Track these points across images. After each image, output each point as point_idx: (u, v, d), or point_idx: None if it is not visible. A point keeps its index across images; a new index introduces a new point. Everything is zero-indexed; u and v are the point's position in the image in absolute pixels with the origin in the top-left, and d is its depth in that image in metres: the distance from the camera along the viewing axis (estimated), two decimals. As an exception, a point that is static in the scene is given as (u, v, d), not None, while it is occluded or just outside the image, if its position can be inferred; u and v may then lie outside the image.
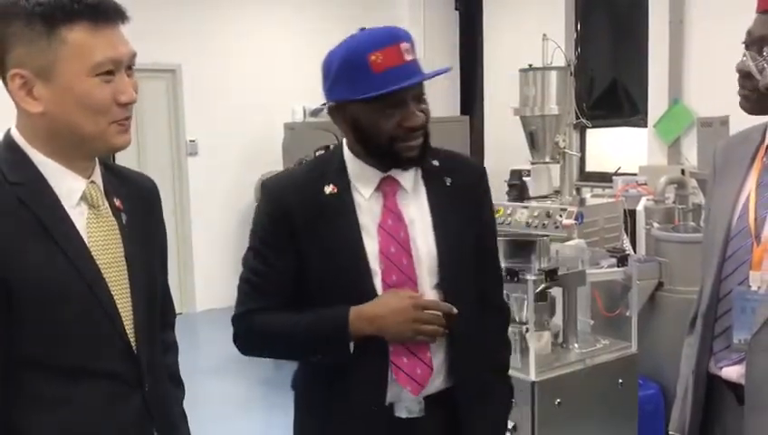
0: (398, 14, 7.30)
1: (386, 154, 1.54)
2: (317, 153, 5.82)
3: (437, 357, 1.60)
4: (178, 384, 1.53)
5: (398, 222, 1.58)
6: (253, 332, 1.61)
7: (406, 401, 1.59)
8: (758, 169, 1.54)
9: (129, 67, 1.25)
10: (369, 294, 1.55)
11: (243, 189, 6.67)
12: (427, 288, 1.58)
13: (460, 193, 1.64)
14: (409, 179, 1.61)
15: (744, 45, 1.54)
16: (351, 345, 1.54)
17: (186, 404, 1.54)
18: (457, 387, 1.61)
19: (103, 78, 1.21)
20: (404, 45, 1.50)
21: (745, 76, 1.51)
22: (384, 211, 1.58)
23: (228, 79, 6.69)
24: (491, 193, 1.75)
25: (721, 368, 1.57)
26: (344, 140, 1.64)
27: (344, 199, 1.57)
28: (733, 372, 1.54)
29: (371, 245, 1.56)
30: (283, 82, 6.86)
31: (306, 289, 1.59)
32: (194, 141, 6.65)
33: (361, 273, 1.54)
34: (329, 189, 1.58)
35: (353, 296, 1.54)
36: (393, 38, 1.51)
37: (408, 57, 1.50)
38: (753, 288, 1.49)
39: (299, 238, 1.57)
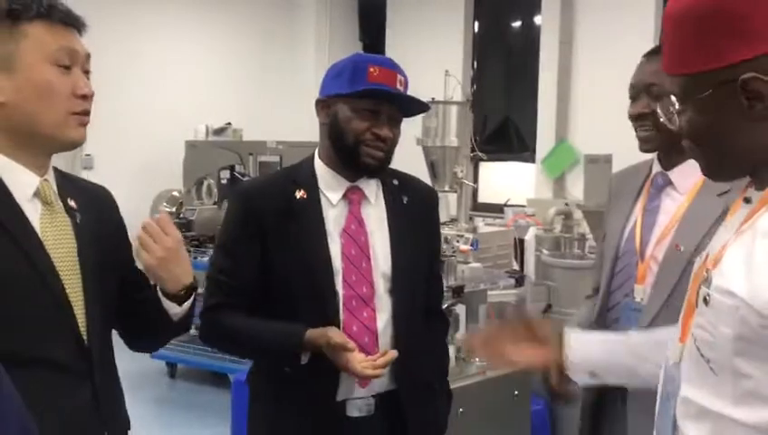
0: (304, 40, 7.48)
1: (350, 154, 1.70)
2: (221, 172, 5.84)
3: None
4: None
5: (360, 228, 1.73)
6: (218, 327, 1.72)
7: (357, 400, 1.70)
8: (645, 197, 1.78)
9: (87, 72, 1.34)
10: (331, 292, 1.67)
11: (138, 206, 6.46)
12: (382, 291, 1.73)
13: (415, 211, 1.81)
14: (372, 191, 1.77)
15: (631, 94, 1.76)
16: (306, 356, 1.65)
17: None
18: (402, 388, 1.74)
19: (61, 70, 1.29)
20: (400, 78, 1.70)
21: (639, 118, 1.74)
22: (348, 217, 1.73)
23: (129, 94, 6.58)
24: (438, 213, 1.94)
25: None
26: (316, 151, 1.78)
27: (313, 204, 1.71)
28: None
29: (335, 247, 1.70)
30: (186, 99, 6.82)
31: (271, 287, 1.70)
32: (89, 156, 6.47)
33: (324, 272, 1.67)
34: (299, 194, 1.71)
35: (315, 291, 1.67)
36: (392, 66, 1.71)
37: (400, 87, 1.70)
38: (637, 300, 1.70)
39: (267, 238, 1.68)
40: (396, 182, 1.83)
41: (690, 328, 1.03)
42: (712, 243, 1.08)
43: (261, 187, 1.85)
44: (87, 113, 1.33)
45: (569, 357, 1.37)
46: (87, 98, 1.32)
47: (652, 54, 1.72)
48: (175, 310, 1.42)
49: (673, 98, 1.05)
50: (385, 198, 1.79)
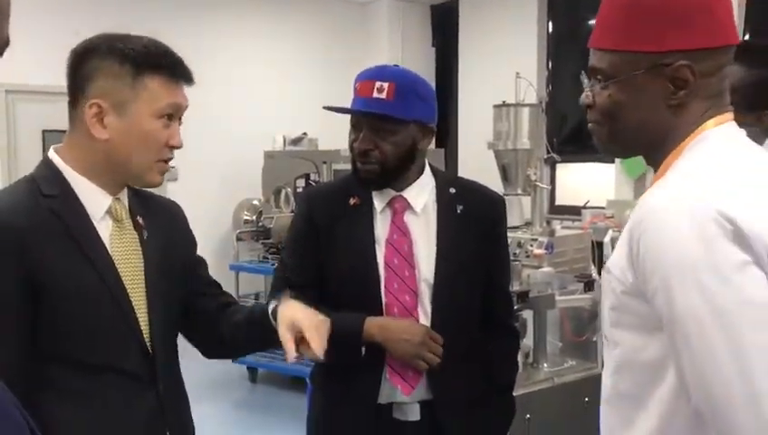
0: (377, 49, 7.54)
1: (354, 170, 1.75)
2: (296, 181, 5.96)
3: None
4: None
5: (402, 237, 1.75)
6: None
7: (402, 404, 1.74)
8: None
9: (179, 117, 1.44)
10: (374, 297, 1.71)
11: (221, 216, 6.77)
12: (426, 300, 1.74)
13: (470, 221, 1.78)
14: (419, 201, 1.78)
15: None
16: (363, 349, 1.70)
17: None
18: (439, 399, 1.75)
19: (164, 122, 1.39)
20: (378, 84, 1.67)
21: None
22: (391, 226, 1.76)
23: (210, 107, 6.81)
24: (506, 223, 1.88)
25: None
26: None
27: (364, 211, 1.76)
28: None
29: (380, 254, 1.74)
30: (264, 111, 7.02)
31: (322, 289, 1.75)
32: (174, 168, 6.75)
33: (369, 278, 1.72)
34: (353, 201, 1.77)
35: (360, 297, 1.72)
36: (374, 75, 1.70)
37: (377, 94, 1.66)
38: None
39: (321, 239, 1.76)
40: (453, 191, 1.80)
41: None
42: None
43: (322, 191, 1.93)
44: (169, 161, 1.43)
45: None
46: (175, 148, 1.42)
47: None
48: None
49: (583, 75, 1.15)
50: (438, 206, 1.79)
